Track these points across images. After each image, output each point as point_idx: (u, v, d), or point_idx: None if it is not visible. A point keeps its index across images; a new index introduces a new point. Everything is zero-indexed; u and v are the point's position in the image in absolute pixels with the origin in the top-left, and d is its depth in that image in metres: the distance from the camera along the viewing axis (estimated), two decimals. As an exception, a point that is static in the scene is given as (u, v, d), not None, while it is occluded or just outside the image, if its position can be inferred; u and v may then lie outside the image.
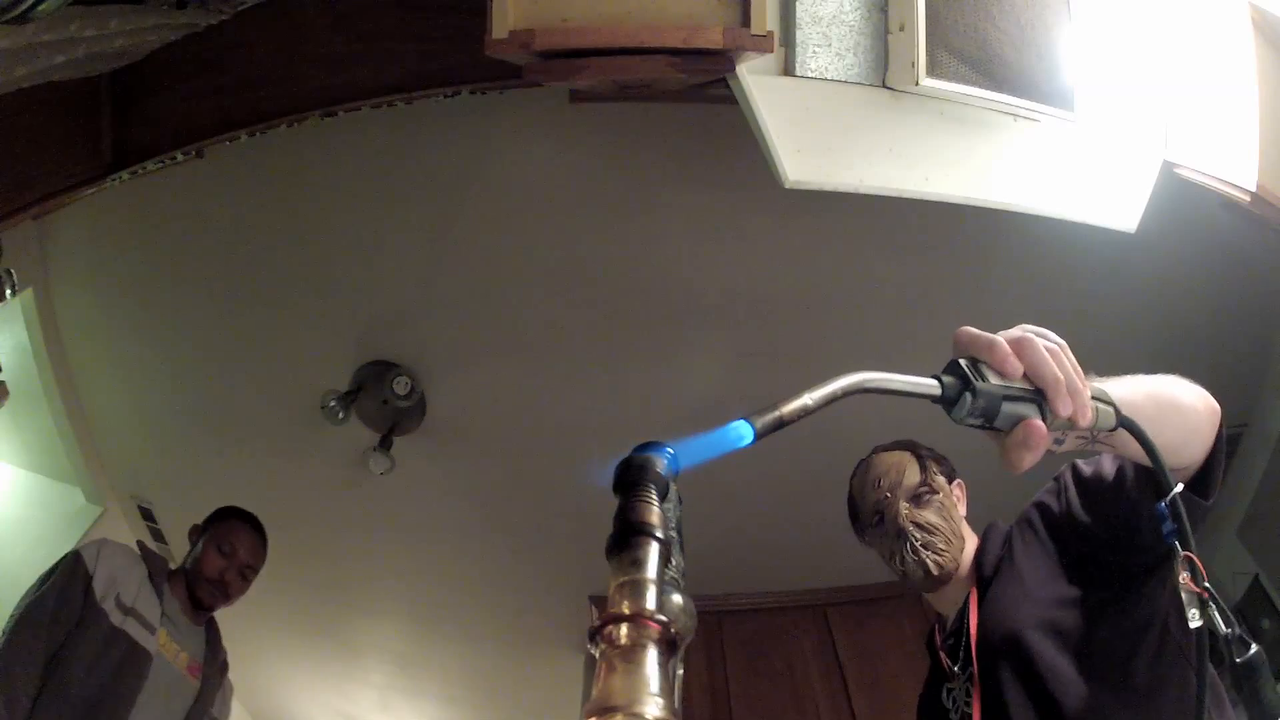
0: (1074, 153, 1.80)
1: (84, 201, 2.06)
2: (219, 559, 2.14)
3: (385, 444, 3.13)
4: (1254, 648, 0.78)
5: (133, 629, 1.96)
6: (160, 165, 2.01)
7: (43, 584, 1.95)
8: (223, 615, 2.25)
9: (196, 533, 2.25)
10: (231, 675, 2.33)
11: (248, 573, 2.21)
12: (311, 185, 2.72)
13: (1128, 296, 2.71)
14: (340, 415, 3.04)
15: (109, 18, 1.65)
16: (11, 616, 1.89)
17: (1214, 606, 0.77)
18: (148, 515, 3.17)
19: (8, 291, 2.45)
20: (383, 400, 3.10)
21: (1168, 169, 1.85)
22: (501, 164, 2.70)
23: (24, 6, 1.24)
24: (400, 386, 3.07)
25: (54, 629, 1.86)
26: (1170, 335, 2.77)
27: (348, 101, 1.92)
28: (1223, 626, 0.77)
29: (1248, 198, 1.86)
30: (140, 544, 2.22)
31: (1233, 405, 2.80)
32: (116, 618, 1.94)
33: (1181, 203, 1.94)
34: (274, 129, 1.94)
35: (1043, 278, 2.69)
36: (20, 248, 2.52)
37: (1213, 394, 1.04)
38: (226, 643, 2.29)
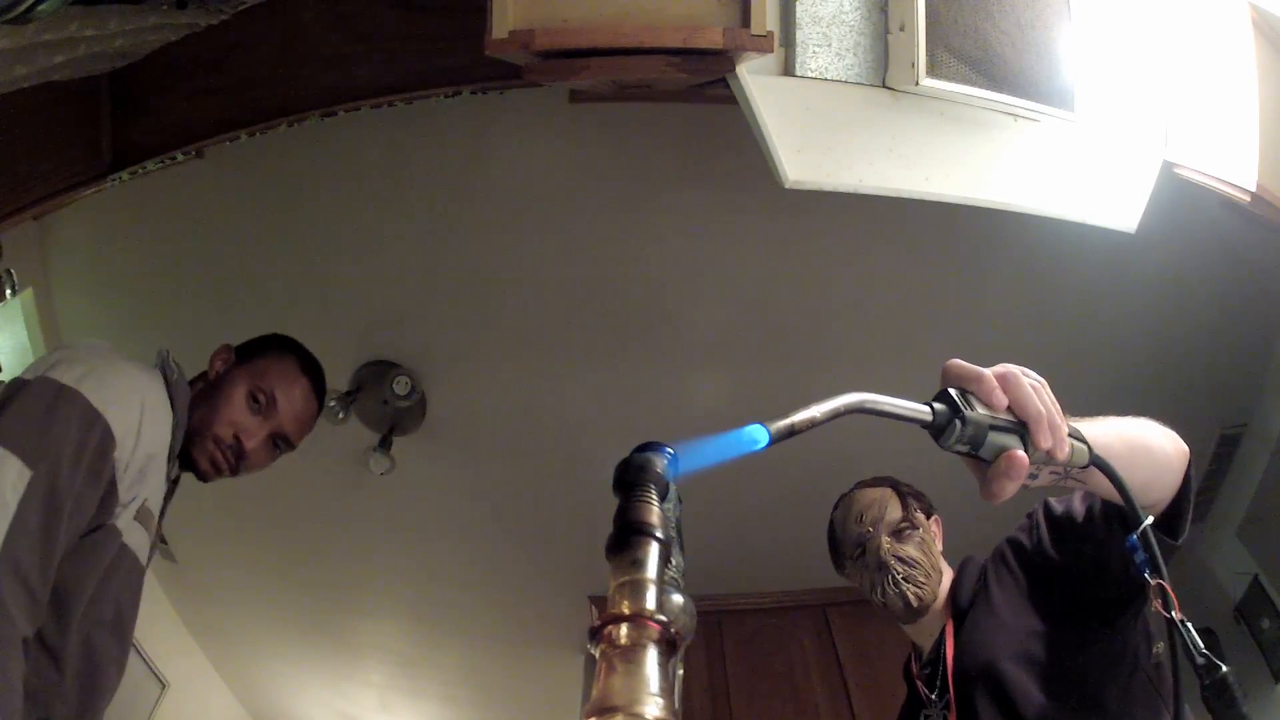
0: (1074, 153, 1.80)
1: (84, 201, 2.06)
2: (248, 411, 1.51)
3: (385, 444, 3.13)
4: (1224, 668, 0.81)
5: (137, 540, 1.40)
6: (160, 165, 2.01)
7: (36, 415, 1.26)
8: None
9: (225, 359, 1.57)
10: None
11: (281, 444, 1.56)
12: (311, 185, 2.72)
13: (1128, 296, 2.71)
14: (340, 415, 3.04)
15: (109, 18, 1.65)
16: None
17: (1184, 633, 0.81)
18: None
19: (8, 291, 2.45)
20: (383, 400, 3.10)
21: (1168, 169, 1.85)
22: (501, 164, 2.70)
23: (24, 6, 1.24)
24: (400, 386, 3.07)
25: (73, 516, 1.28)
26: (1170, 335, 2.77)
27: (348, 101, 1.92)
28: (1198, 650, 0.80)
29: (1248, 198, 1.86)
30: (173, 384, 1.47)
31: (1233, 405, 2.83)
32: (133, 535, 1.39)
33: (1181, 203, 1.94)
34: (274, 129, 1.94)
35: (1043, 278, 2.69)
36: (20, 248, 2.52)
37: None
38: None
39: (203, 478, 1.55)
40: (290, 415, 1.55)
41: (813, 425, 0.66)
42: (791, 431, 0.65)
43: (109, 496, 1.34)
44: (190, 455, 1.50)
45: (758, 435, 0.63)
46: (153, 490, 1.43)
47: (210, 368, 1.59)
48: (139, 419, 1.36)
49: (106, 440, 1.31)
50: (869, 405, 0.70)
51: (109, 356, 1.44)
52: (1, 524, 1.19)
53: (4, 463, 1.22)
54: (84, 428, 1.29)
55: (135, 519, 1.39)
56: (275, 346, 1.63)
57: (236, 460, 1.53)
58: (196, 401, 1.51)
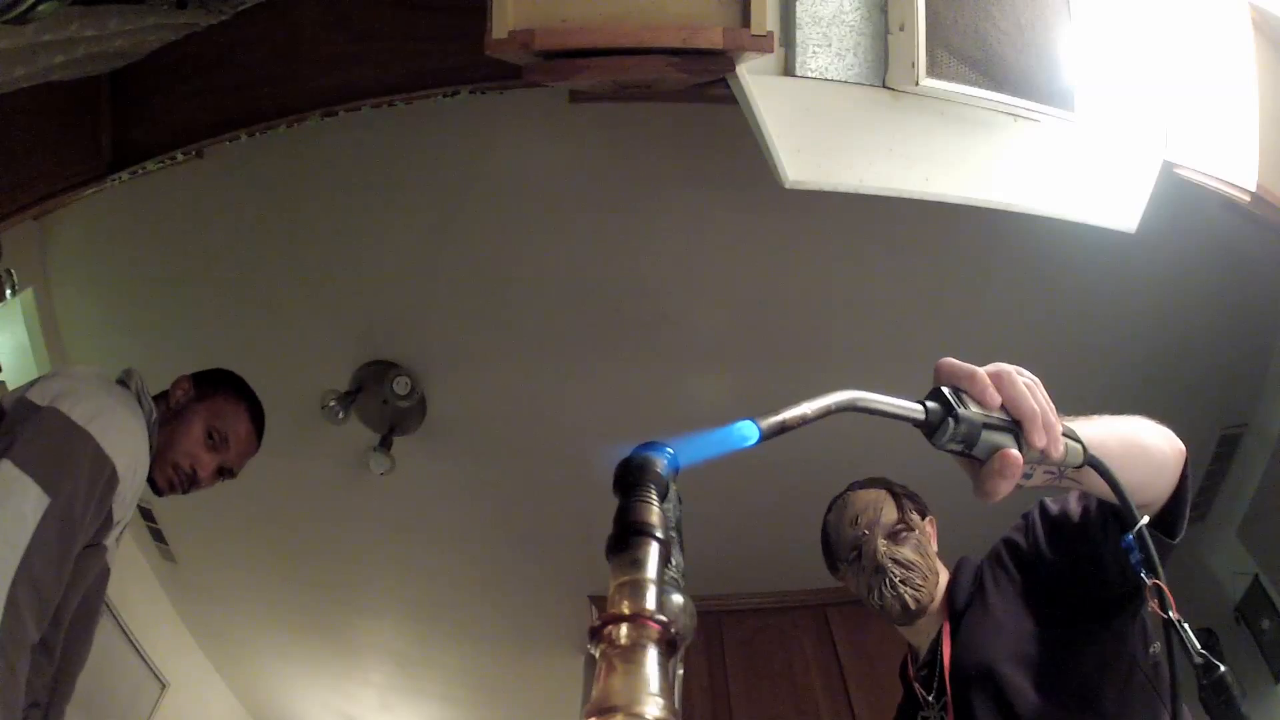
0: (1074, 153, 1.80)
1: (84, 201, 2.06)
2: (204, 446, 1.72)
3: (385, 444, 3.13)
4: (1222, 668, 0.81)
5: (112, 552, 1.61)
6: (160, 165, 2.01)
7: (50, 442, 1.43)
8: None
9: (185, 390, 1.77)
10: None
11: (225, 475, 1.79)
12: (311, 185, 2.72)
13: (1128, 296, 2.71)
14: (340, 415, 3.04)
15: (109, 18, 1.65)
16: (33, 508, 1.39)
17: (1181, 633, 0.80)
18: (147, 515, 3.17)
19: (8, 291, 2.46)
20: (383, 400, 3.10)
21: (1168, 169, 1.85)
22: (501, 164, 2.70)
23: (24, 7, 1.24)
24: (400, 386, 3.07)
25: (80, 541, 1.47)
26: (1170, 335, 2.77)
27: (348, 101, 1.92)
28: (1194, 649, 0.79)
29: (1248, 198, 1.86)
30: (150, 424, 1.66)
31: (1233, 405, 2.83)
32: (110, 550, 1.60)
33: (1181, 203, 1.94)
34: (274, 129, 1.94)
35: (1043, 278, 2.70)
36: (20, 248, 2.53)
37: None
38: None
39: (158, 493, 1.73)
40: (237, 452, 1.78)
41: (804, 422, 0.65)
42: (783, 428, 0.64)
43: (106, 523, 1.53)
44: (150, 472, 1.67)
45: (748, 431, 0.63)
46: (131, 511, 1.62)
47: (171, 396, 1.78)
48: (135, 462, 1.57)
49: (113, 481, 1.51)
50: (861, 403, 0.69)
51: (104, 391, 1.61)
52: (22, 539, 1.37)
53: (25, 487, 1.39)
54: (96, 469, 1.48)
55: (116, 538, 1.60)
56: (230, 388, 1.83)
57: (189, 485, 1.74)
58: (159, 425, 1.69)
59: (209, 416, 1.74)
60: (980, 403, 0.74)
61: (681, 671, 0.63)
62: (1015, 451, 0.74)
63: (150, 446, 1.64)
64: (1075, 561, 1.23)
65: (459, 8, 1.72)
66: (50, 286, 2.84)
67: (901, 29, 1.63)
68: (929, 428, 0.73)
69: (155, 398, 1.74)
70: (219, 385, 1.82)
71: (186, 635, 3.42)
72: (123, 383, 1.68)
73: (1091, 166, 1.82)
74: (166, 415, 1.73)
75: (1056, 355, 2.55)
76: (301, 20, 1.92)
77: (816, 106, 1.63)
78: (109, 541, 1.57)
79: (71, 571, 1.46)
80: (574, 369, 3.03)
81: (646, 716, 0.46)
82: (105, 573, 1.62)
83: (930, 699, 1.42)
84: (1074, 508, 1.23)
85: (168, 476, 1.70)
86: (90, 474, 1.46)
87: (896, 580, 1.46)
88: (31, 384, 1.57)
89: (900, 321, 2.87)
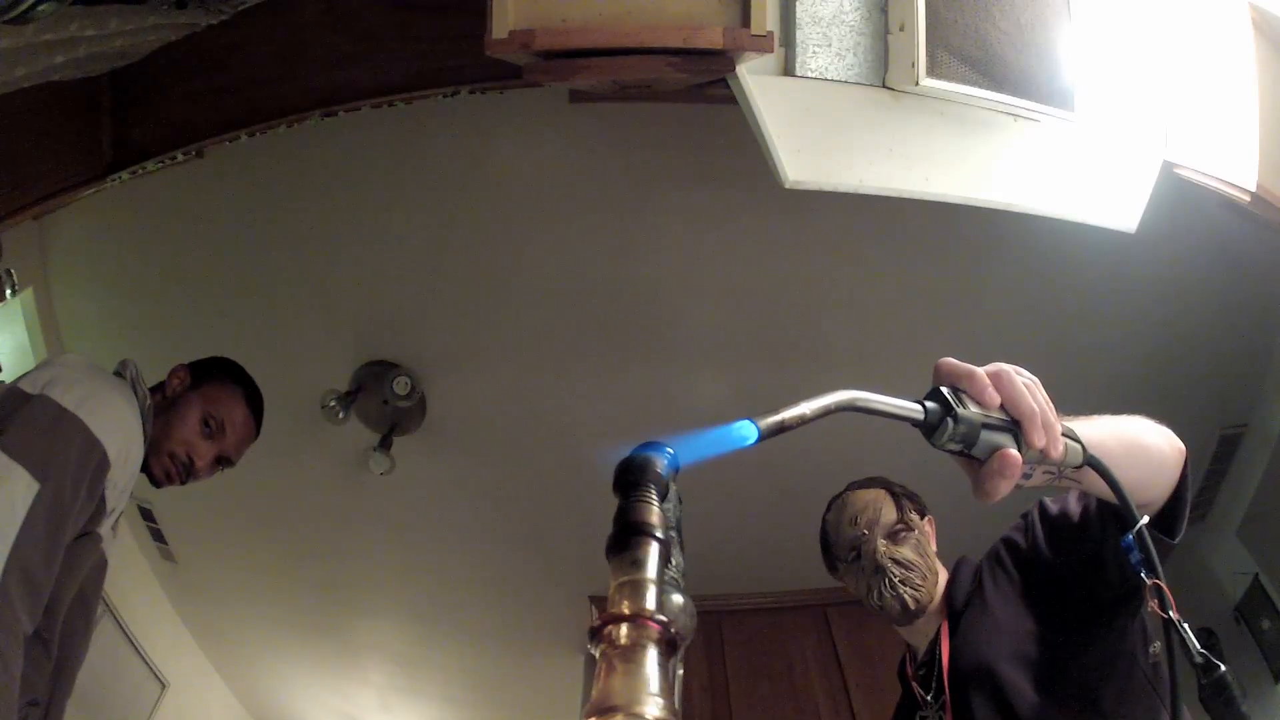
0: (1074, 153, 1.80)
1: (84, 201, 2.06)
2: (200, 435, 1.69)
3: (385, 444, 3.13)
4: (1222, 668, 0.80)
5: (108, 542, 1.59)
6: (160, 165, 2.01)
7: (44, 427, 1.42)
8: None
9: (181, 379, 1.75)
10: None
11: (223, 464, 1.76)
12: (311, 185, 2.72)
13: (1128, 296, 2.71)
14: (340, 415, 3.04)
15: (109, 18, 1.65)
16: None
17: (1181, 633, 0.80)
18: (147, 515, 3.17)
19: (8, 291, 2.45)
20: (383, 400, 3.10)
21: (1168, 169, 1.85)
22: (501, 164, 2.70)
23: (24, 7, 1.25)
24: (400, 386, 3.07)
25: (72, 528, 1.44)
26: (1170, 335, 2.77)
27: (348, 101, 1.92)
28: (1194, 648, 0.79)
29: (1248, 198, 1.86)
30: (144, 410, 1.64)
31: (1233, 405, 2.83)
32: (106, 540, 1.58)
33: (1181, 203, 1.94)
34: (274, 129, 1.94)
35: (1043, 278, 2.70)
36: (20, 248, 2.52)
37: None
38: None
39: (155, 484, 1.71)
40: (234, 441, 1.74)
41: (803, 422, 0.65)
42: (781, 428, 0.64)
43: (99, 510, 1.49)
44: (146, 463, 1.65)
45: (747, 431, 0.63)
46: (125, 499, 1.59)
47: (168, 385, 1.75)
48: (127, 446, 1.54)
49: (104, 465, 1.47)
50: (860, 403, 0.69)
51: (95, 377, 1.59)
52: (11, 528, 1.33)
53: (14, 474, 1.36)
54: (86, 452, 1.45)
55: (111, 526, 1.57)
56: (226, 375, 1.80)
57: (186, 475, 1.71)
58: (154, 414, 1.67)
59: (205, 404, 1.71)
60: (979, 402, 0.74)
61: (681, 671, 0.64)
62: (1014, 451, 0.74)
63: (145, 435, 1.61)
64: (1075, 561, 1.22)
65: (459, 8, 1.72)
66: (50, 286, 2.84)
67: (901, 29, 1.63)
68: (928, 427, 0.73)
69: (152, 388, 1.72)
70: (215, 373, 1.79)
71: (186, 635, 3.42)
72: (119, 374, 1.67)
73: (1091, 166, 1.82)
74: (162, 404, 1.71)
75: (1056, 355, 2.55)
76: (301, 20, 1.93)
77: (816, 106, 1.63)
78: (104, 530, 1.54)
79: (64, 561, 1.43)
80: (574, 369, 3.03)
81: (646, 716, 0.46)
82: (103, 565, 1.59)
83: (929, 699, 1.42)
84: (1073, 508, 1.23)
85: (165, 466, 1.68)
86: (80, 458, 1.44)
87: (896, 580, 1.46)
88: (24, 375, 1.56)
89: (900, 321, 2.87)
